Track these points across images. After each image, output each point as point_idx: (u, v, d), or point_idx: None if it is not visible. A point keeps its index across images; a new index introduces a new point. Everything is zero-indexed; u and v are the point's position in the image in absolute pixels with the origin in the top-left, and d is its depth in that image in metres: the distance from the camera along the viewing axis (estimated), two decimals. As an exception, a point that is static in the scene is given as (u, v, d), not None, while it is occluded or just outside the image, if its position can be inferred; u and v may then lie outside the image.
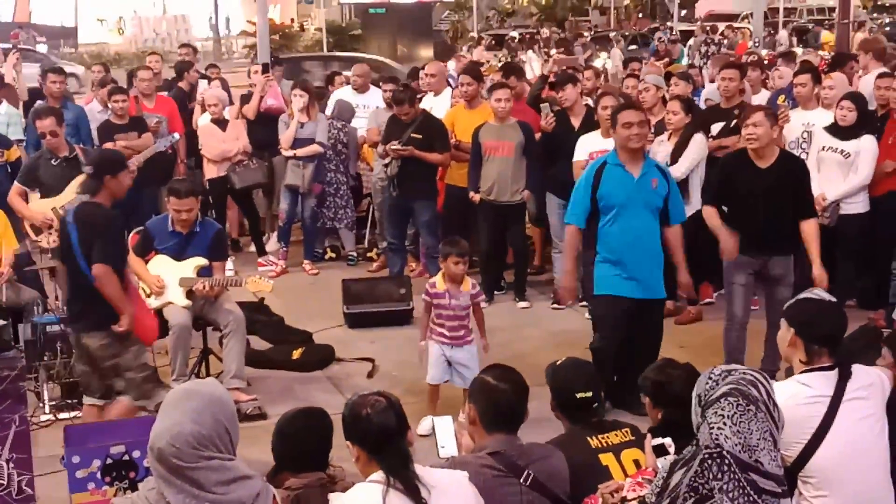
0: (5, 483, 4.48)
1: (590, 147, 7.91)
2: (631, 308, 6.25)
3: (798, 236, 6.43)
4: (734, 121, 8.10)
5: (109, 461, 4.47)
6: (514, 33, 32.44)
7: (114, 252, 5.51)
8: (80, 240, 5.45)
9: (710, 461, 2.97)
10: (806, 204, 6.47)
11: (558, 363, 4.21)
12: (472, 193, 8.61)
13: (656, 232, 6.30)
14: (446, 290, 6.24)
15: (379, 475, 3.07)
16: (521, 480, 3.54)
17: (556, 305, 8.60)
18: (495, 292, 8.92)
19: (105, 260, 5.41)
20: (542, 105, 8.96)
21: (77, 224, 5.49)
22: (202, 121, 10.10)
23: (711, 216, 6.55)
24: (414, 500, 3.02)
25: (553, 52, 19.86)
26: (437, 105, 9.72)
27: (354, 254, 10.36)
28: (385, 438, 3.10)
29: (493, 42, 30.96)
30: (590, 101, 8.99)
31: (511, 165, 8.44)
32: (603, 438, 3.91)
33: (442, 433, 3.92)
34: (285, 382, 7.19)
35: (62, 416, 6.39)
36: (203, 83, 11.44)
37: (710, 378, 3.12)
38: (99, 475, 4.46)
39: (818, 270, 6.28)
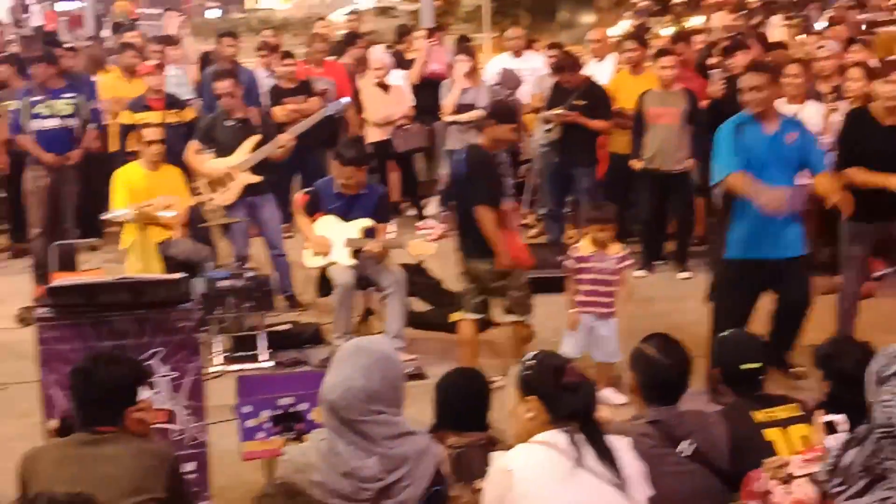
0: (181, 429, 4.69)
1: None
2: (768, 269, 5.97)
3: None
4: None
5: (279, 412, 4.61)
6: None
7: (489, 193, 6.06)
8: (465, 177, 6.09)
9: (884, 440, 2.86)
10: None
11: (725, 335, 4.12)
12: (633, 161, 8.50)
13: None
14: (591, 254, 6.13)
15: (548, 436, 3.04)
16: (681, 450, 3.49)
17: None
18: (655, 262, 8.79)
19: (482, 201, 5.99)
20: (710, 72, 8.74)
21: (463, 164, 6.14)
22: (365, 84, 10.26)
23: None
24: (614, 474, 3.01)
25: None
26: (600, 71, 9.60)
27: None
28: (586, 412, 3.09)
29: (657, 7, 30.18)
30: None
31: (675, 133, 8.29)
32: (769, 413, 3.80)
33: None
34: (443, 344, 7.27)
35: (232, 367, 6.66)
36: (378, 48, 11.50)
37: (886, 355, 3.01)
38: (268, 425, 4.61)
39: None
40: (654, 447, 3.45)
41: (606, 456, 3.00)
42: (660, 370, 3.62)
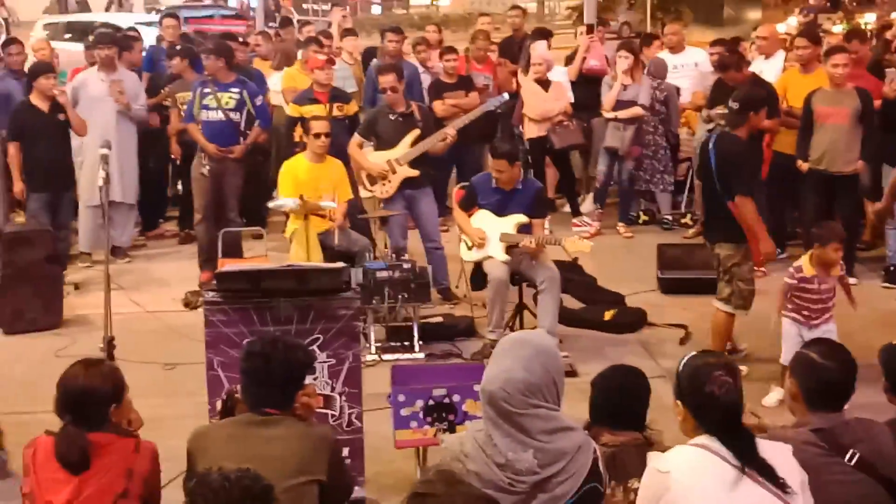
0: (338, 414, 4.81)
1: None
2: None
3: None
4: None
5: (431, 402, 4.68)
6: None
7: (748, 182, 6.24)
8: (717, 166, 6.19)
9: None
10: None
11: (893, 343, 3.95)
12: (799, 162, 8.23)
13: None
14: (815, 275, 6.01)
15: (702, 440, 2.99)
16: (847, 459, 3.37)
17: (887, 284, 8.09)
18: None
19: (743, 191, 6.14)
20: (888, 70, 8.38)
21: (716, 151, 6.22)
22: (525, 80, 10.27)
23: None
24: (773, 483, 2.92)
25: (894, 14, 18.44)
26: (767, 69, 9.33)
27: (669, 217, 10.21)
28: (730, 419, 3.02)
29: (828, 3, 29.19)
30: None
31: (844, 133, 7.97)
32: (940, 424, 3.63)
33: None
34: (596, 342, 7.23)
35: (386, 357, 6.79)
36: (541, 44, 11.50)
37: None
38: (421, 415, 4.67)
39: None
40: (819, 455, 3.34)
41: (759, 463, 2.92)
42: (824, 375, 3.49)
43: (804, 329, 6.02)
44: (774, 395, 6.05)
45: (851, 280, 8.15)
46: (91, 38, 10.56)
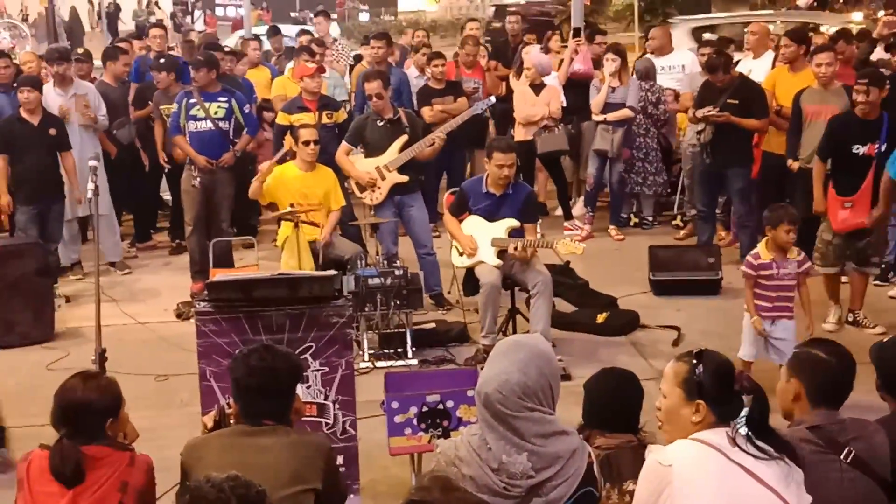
0: (331, 422, 4.80)
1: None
2: None
3: None
4: None
5: (425, 409, 4.67)
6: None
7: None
8: None
9: None
10: None
11: (885, 341, 3.96)
12: (790, 161, 8.25)
13: None
14: (772, 259, 6.03)
15: (706, 435, 2.99)
16: (842, 457, 3.38)
17: (877, 283, 8.11)
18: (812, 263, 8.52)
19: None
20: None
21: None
22: (517, 84, 10.28)
23: None
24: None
25: (881, 13, 18.50)
26: (757, 68, 9.35)
27: (650, 218, 10.26)
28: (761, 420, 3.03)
29: (815, 3, 29.25)
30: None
31: (834, 132, 7.99)
32: (934, 423, 3.64)
33: None
34: (589, 345, 7.24)
35: (380, 364, 6.78)
36: (534, 49, 11.49)
37: None
38: (415, 421, 4.67)
39: None
40: (815, 453, 3.35)
41: (784, 452, 2.96)
42: (827, 370, 3.51)
43: (766, 324, 6.03)
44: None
45: (844, 279, 8.22)
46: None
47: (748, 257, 6.21)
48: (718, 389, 3.06)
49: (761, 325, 6.03)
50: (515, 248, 6.69)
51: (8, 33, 24.92)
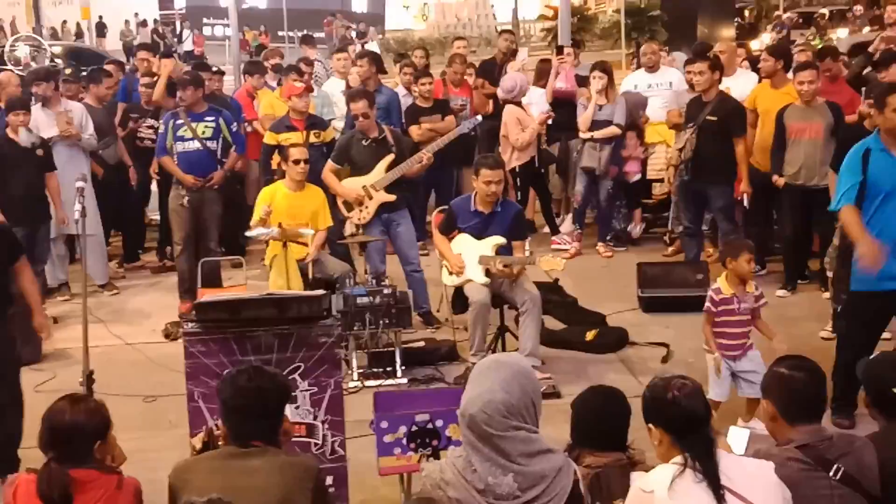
0: (320, 443, 4.78)
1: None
2: (889, 303, 5.73)
3: None
4: None
5: (415, 428, 4.65)
6: (825, 10, 30.82)
7: None
8: None
9: None
10: None
11: (874, 357, 3.98)
12: (775, 177, 8.28)
13: None
14: (733, 294, 5.93)
15: (679, 459, 3.04)
16: (831, 474, 3.38)
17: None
18: (799, 281, 8.55)
19: None
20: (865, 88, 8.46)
21: None
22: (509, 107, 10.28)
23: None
24: (713, 488, 2.97)
25: (866, 29, 18.67)
26: (735, 85, 9.39)
27: (629, 232, 10.31)
28: (693, 423, 3.06)
29: (801, 20, 29.54)
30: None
31: (819, 148, 8.03)
32: (922, 439, 3.65)
33: (737, 444, 3.79)
34: (578, 363, 7.24)
35: (369, 383, 6.76)
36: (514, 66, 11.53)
37: None
38: (405, 441, 4.65)
39: None
40: (803, 470, 3.35)
41: (711, 472, 3.00)
42: (793, 385, 3.53)
43: (730, 363, 5.90)
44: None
45: (828, 294, 8.22)
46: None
47: (710, 292, 6.05)
48: (657, 405, 3.19)
49: (722, 364, 5.88)
50: (497, 265, 6.69)
51: (28, 48, 24.67)
